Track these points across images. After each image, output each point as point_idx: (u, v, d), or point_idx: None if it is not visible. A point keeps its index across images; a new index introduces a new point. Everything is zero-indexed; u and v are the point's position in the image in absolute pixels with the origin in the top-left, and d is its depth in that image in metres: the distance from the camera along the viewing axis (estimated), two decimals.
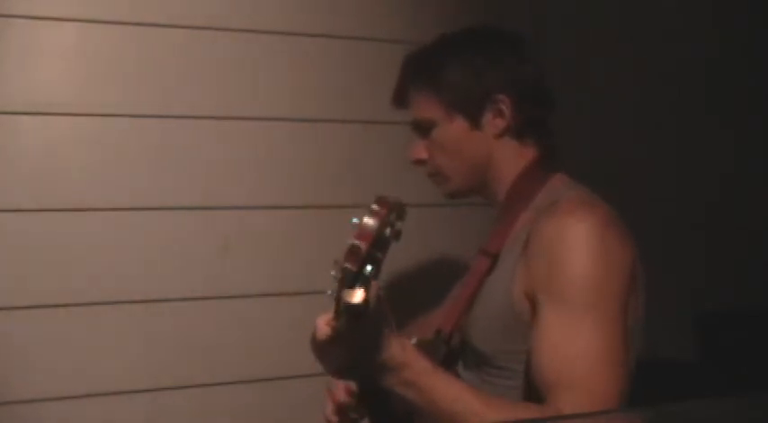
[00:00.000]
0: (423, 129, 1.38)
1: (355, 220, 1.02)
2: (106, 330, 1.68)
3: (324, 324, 1.10)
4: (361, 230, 1.01)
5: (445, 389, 1.16)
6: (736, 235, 2.26)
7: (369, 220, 1.02)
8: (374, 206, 1.04)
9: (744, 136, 2.30)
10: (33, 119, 1.63)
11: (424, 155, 1.39)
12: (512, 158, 1.35)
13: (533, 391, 1.21)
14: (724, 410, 0.95)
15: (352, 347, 1.10)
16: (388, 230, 1.04)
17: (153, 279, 1.72)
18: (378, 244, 1.02)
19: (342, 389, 1.31)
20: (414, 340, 1.42)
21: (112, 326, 1.69)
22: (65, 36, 1.65)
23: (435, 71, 1.35)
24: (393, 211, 1.05)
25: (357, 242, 1.00)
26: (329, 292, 1.04)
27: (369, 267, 1.00)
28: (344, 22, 1.87)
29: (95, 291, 1.67)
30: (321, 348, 1.13)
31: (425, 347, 1.38)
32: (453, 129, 1.35)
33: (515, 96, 1.32)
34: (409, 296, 1.75)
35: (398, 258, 1.89)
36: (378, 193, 1.89)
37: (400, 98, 1.41)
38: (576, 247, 1.19)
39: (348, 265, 0.99)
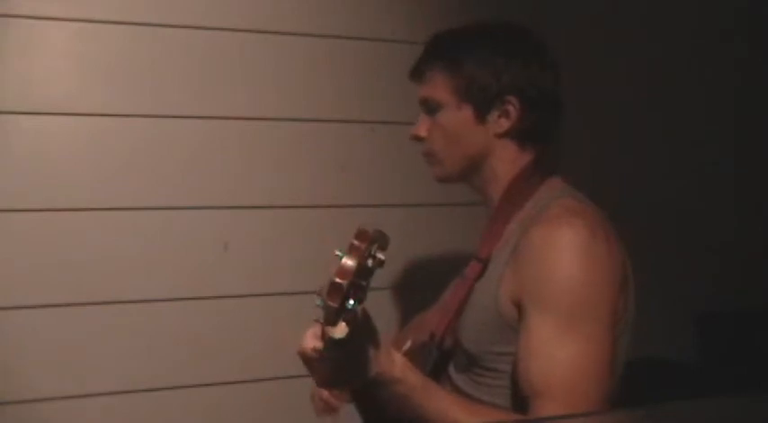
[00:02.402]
0: (430, 107, 1.38)
1: (338, 253, 1.02)
2: (106, 330, 1.69)
3: (310, 347, 1.13)
4: (341, 268, 1.01)
5: (435, 403, 1.18)
6: (737, 235, 2.26)
7: (348, 259, 1.02)
8: (354, 241, 1.04)
9: (744, 136, 2.30)
10: (31, 118, 1.63)
11: (423, 133, 1.39)
12: (508, 160, 1.35)
13: (520, 392, 1.22)
14: (724, 410, 0.95)
15: (341, 369, 1.13)
16: (369, 261, 1.04)
17: (153, 279, 1.72)
18: (360, 275, 1.02)
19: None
20: (407, 344, 1.43)
21: (112, 326, 1.69)
22: (63, 36, 1.65)
23: (457, 57, 1.35)
24: (374, 242, 1.05)
25: (337, 280, 1.00)
26: (315, 319, 1.05)
27: (351, 301, 1.01)
28: (347, 22, 1.87)
29: (95, 291, 1.67)
30: (311, 365, 1.16)
31: (418, 352, 1.40)
32: (459, 116, 1.35)
33: (526, 102, 1.33)
34: (410, 296, 1.75)
35: (399, 258, 1.91)
36: (378, 192, 1.89)
37: (418, 73, 1.41)
38: (562, 256, 1.20)
39: (330, 303, 1.00)
